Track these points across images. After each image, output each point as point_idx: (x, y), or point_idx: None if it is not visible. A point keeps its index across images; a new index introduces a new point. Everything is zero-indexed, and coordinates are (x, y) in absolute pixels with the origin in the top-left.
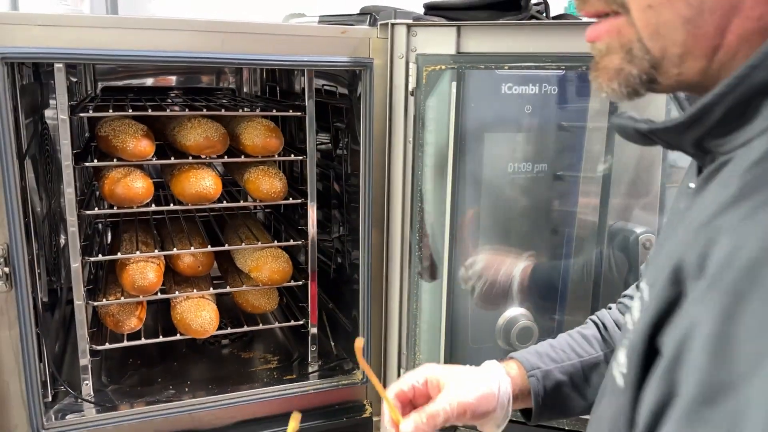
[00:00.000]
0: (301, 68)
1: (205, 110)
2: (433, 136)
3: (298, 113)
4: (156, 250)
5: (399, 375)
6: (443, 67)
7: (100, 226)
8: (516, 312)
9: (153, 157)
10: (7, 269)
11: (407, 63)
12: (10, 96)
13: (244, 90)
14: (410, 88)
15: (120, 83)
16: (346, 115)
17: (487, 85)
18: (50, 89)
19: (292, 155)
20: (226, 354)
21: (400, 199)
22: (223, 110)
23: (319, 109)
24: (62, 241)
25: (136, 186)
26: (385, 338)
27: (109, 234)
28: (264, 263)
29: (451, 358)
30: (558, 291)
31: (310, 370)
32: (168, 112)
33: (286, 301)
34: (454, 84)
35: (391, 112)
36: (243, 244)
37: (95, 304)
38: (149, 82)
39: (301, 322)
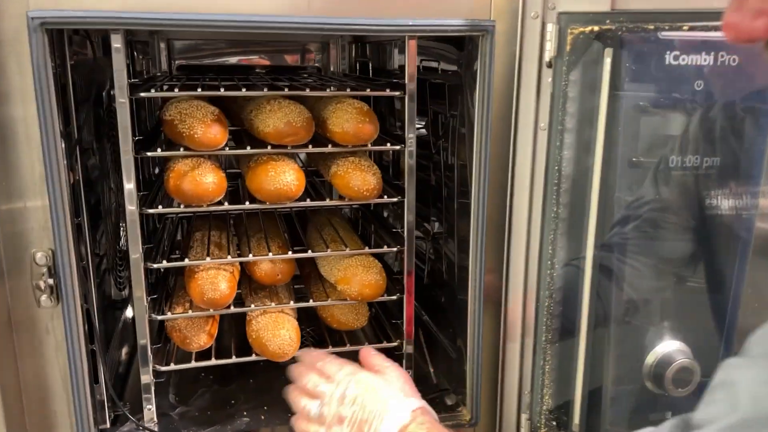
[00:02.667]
0: (404, 34)
1: (286, 89)
2: (576, 122)
3: (397, 92)
4: (229, 256)
5: (519, 421)
6: (594, 29)
7: (172, 219)
8: (671, 347)
9: (225, 146)
10: (51, 281)
11: (544, 25)
12: (58, 71)
13: (331, 69)
14: (547, 58)
15: (197, 62)
16: (450, 95)
17: (650, 54)
18: None
19: (388, 144)
20: None
21: (526, 200)
22: (307, 89)
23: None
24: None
25: (205, 181)
26: (502, 370)
27: (181, 230)
28: (353, 275)
29: (589, 401)
30: (726, 320)
31: None
32: (243, 92)
33: (375, 313)
34: (609, 51)
35: (518, 89)
36: (329, 249)
37: (158, 318)
38: (230, 61)
39: (395, 344)
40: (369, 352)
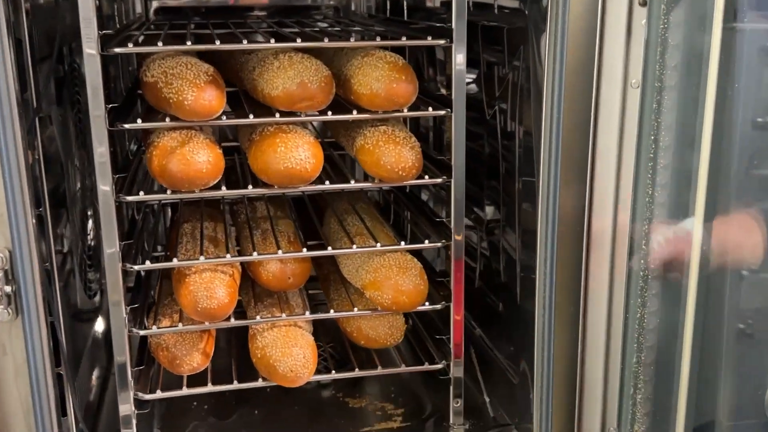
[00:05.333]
0: None
1: (299, 40)
2: (679, 76)
3: (441, 41)
4: (228, 255)
5: None
6: None
7: (153, 208)
8: None
9: (222, 114)
10: (9, 288)
11: None
12: (11, 20)
13: (352, 8)
14: None
15: (178, 2)
16: (510, 41)
17: None
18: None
19: (430, 108)
20: (327, 398)
21: (612, 178)
22: (326, 39)
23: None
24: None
25: (198, 160)
26: (580, 399)
27: (164, 220)
28: (386, 278)
29: None
30: None
31: None
32: (245, 45)
33: (413, 326)
34: None
35: (602, 34)
36: (354, 246)
37: (140, 333)
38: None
39: (439, 366)
40: None
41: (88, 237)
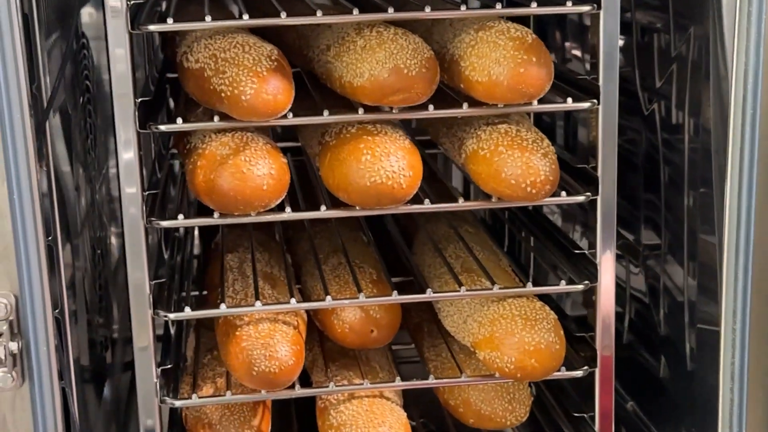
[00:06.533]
0: None
1: (391, 10)
2: None
3: (585, 6)
4: (293, 299)
5: None
6: None
7: (181, 231)
8: None
9: (290, 111)
10: (15, 345)
11: None
12: None
13: None
14: None
15: None
16: (678, 2)
17: None
18: None
19: (570, 100)
20: None
21: None
22: (427, 8)
23: None
24: (114, 259)
25: (256, 174)
26: None
27: (200, 247)
28: (508, 332)
29: None
30: None
31: None
32: (321, 17)
33: (538, 396)
34: None
35: None
36: (463, 288)
37: (175, 404)
38: None
39: None
40: None
41: (98, 272)
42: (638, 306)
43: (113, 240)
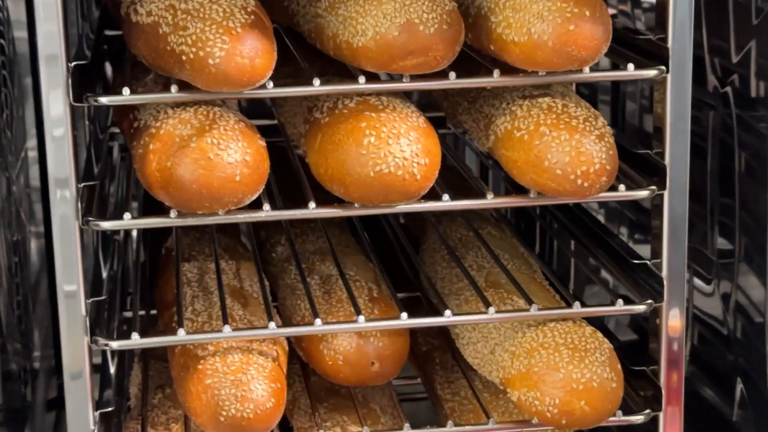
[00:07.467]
0: None
1: None
2: None
3: None
4: (271, 323)
5: None
6: None
7: (122, 233)
8: None
9: (269, 80)
10: None
11: None
12: None
13: None
14: None
15: None
16: None
17: None
18: None
19: (631, 66)
20: None
21: None
22: None
23: None
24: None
25: (227, 161)
26: None
27: (145, 252)
28: (549, 366)
29: None
30: None
31: None
32: None
33: None
34: None
35: None
36: (491, 309)
37: None
38: None
39: None
40: None
41: (16, 286)
42: (703, 329)
43: (32, 245)
